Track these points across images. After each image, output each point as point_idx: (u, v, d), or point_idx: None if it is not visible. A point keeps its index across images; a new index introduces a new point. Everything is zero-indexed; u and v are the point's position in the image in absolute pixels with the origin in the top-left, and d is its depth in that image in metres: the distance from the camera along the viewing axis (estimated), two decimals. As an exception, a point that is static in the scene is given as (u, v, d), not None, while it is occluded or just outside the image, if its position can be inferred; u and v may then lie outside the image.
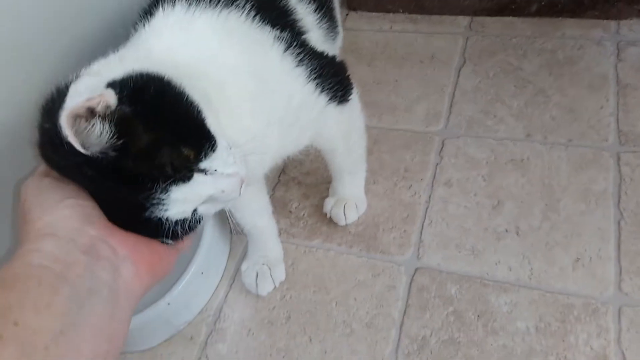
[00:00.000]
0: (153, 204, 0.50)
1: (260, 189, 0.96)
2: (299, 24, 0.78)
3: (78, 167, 0.49)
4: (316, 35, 0.83)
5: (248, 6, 0.68)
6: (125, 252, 0.50)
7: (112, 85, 0.50)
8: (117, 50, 0.63)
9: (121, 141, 0.48)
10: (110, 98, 0.48)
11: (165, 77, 0.54)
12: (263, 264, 0.97)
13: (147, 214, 0.51)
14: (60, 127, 0.46)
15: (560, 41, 1.24)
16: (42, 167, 0.55)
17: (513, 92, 1.18)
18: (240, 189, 0.55)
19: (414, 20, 1.39)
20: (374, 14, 1.43)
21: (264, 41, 0.69)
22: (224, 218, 1.04)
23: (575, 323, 0.86)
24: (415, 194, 1.06)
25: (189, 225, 0.54)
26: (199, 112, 0.54)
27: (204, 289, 0.98)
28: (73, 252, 0.46)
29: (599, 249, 0.93)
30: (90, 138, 0.47)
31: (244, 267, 0.98)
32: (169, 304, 0.91)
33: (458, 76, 1.24)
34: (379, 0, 1.41)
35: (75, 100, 0.48)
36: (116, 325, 0.47)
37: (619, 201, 0.97)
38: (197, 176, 0.52)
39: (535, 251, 0.94)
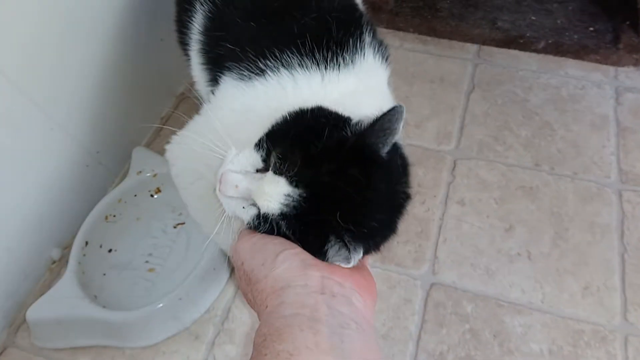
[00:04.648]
0: None
1: None
2: None
3: None
4: None
5: None
6: (350, 283, 0.52)
7: None
8: None
9: None
10: None
11: None
12: None
13: None
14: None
15: (564, 79, 1.30)
16: (244, 230, 0.58)
17: (521, 121, 1.21)
18: None
19: (423, 41, 1.41)
20: (384, 30, 1.44)
21: None
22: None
23: (586, 348, 0.88)
24: (428, 209, 1.06)
25: None
26: None
27: (213, 286, 0.93)
28: (311, 296, 0.49)
29: (606, 279, 0.96)
30: None
31: None
32: (180, 298, 0.86)
33: (468, 100, 1.26)
34: (392, 17, 1.42)
35: None
36: (373, 355, 0.48)
37: (622, 235, 1.02)
38: None
39: (546, 276, 0.97)
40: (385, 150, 0.55)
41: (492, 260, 0.99)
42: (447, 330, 0.91)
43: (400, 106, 0.53)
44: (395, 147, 0.58)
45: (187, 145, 0.72)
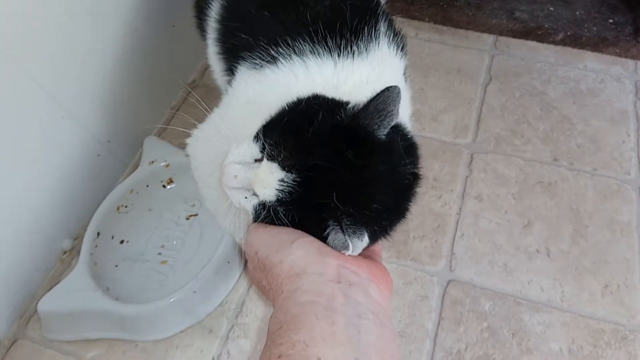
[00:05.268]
0: None
1: None
2: None
3: None
4: None
5: None
6: (365, 273, 0.51)
7: None
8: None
9: None
10: None
11: None
12: None
13: None
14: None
15: (583, 72, 1.27)
16: (253, 223, 0.57)
17: (539, 115, 1.19)
18: None
19: (439, 30, 1.38)
20: (399, 18, 1.41)
21: None
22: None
23: (606, 348, 0.87)
24: (445, 204, 1.05)
25: None
26: None
27: (227, 279, 0.92)
28: (328, 284, 0.48)
29: (626, 277, 0.95)
30: None
31: None
32: (194, 292, 0.85)
33: (485, 92, 1.24)
34: (407, 6, 1.39)
35: None
36: (390, 346, 0.47)
37: (642, 233, 1.00)
38: None
39: (566, 274, 0.95)
40: (382, 132, 0.54)
41: (510, 256, 0.97)
42: (465, 328, 0.89)
43: (395, 87, 0.53)
44: (397, 129, 0.58)
45: (206, 139, 0.71)
